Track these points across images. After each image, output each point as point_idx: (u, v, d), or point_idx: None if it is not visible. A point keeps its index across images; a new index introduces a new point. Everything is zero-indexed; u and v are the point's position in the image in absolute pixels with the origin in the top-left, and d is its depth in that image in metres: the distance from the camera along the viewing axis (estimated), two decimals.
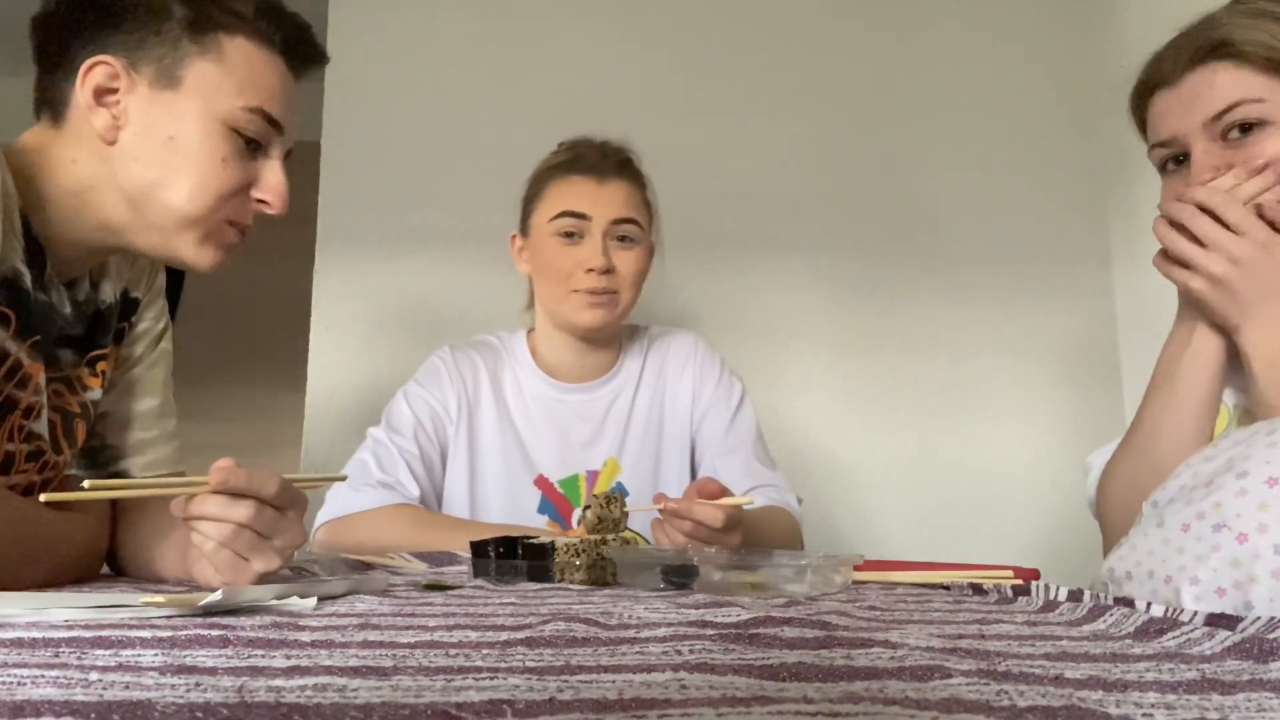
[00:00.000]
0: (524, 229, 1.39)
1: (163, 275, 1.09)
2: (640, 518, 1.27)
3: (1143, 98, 0.98)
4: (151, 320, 1.07)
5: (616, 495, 0.98)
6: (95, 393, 0.99)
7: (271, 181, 0.94)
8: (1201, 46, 0.91)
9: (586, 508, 0.98)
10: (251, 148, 0.92)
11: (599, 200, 1.31)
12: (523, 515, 1.33)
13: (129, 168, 0.89)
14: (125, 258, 1.03)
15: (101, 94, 0.88)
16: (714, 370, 1.41)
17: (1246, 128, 0.89)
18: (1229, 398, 0.97)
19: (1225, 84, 0.89)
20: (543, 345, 1.42)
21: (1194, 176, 0.91)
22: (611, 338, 1.42)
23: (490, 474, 1.35)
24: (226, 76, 0.90)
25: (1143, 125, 1.00)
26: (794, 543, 1.30)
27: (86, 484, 0.73)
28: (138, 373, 1.06)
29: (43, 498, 0.72)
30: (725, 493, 1.01)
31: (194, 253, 0.92)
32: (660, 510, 0.99)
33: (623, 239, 1.32)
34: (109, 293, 1.00)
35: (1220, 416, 0.96)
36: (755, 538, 1.10)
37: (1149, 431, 0.95)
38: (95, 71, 0.87)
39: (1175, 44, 0.94)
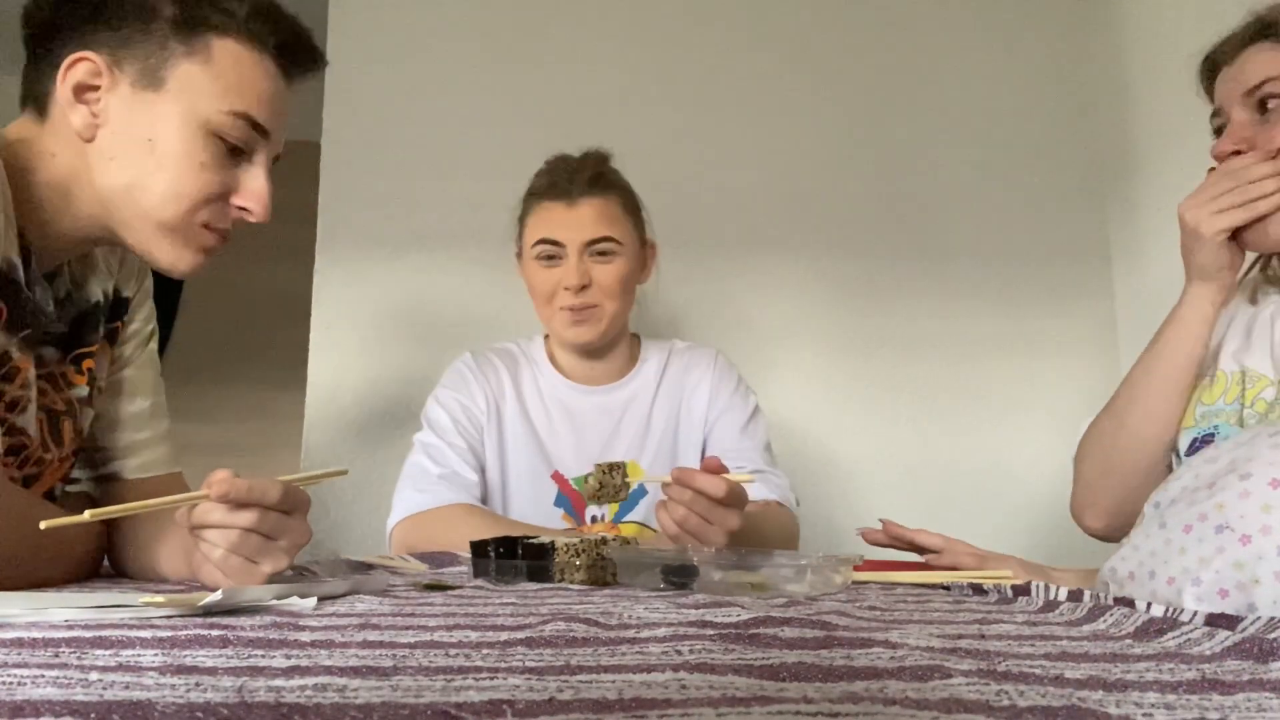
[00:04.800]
0: (518, 249, 1.44)
1: (150, 278, 1.08)
2: (646, 510, 1.27)
3: (1212, 72, 1.06)
4: (141, 321, 1.07)
5: (619, 464, 1.00)
6: (81, 390, 0.98)
7: (253, 188, 0.92)
8: (1252, 27, 1.01)
9: (588, 476, 1.00)
10: (234, 153, 0.90)
11: (570, 225, 1.36)
12: (542, 509, 1.38)
13: (105, 167, 0.88)
14: (114, 255, 1.02)
15: (82, 91, 0.86)
16: (730, 381, 1.46)
17: (1275, 103, 0.96)
18: (1231, 364, 0.99)
19: (1264, 61, 0.98)
20: (556, 351, 1.48)
21: (1223, 140, 1.00)
22: (614, 345, 1.45)
23: (513, 472, 1.41)
24: (212, 79, 0.88)
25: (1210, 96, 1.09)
26: (790, 541, 1.31)
27: (87, 514, 0.72)
28: (128, 374, 1.05)
29: (42, 525, 0.71)
30: (726, 470, 1.02)
31: (170, 256, 0.91)
32: (664, 487, 1.00)
33: (599, 254, 1.36)
34: (97, 291, 0.99)
35: (1218, 382, 1.01)
36: (752, 529, 1.10)
37: (1126, 396, 1.06)
38: (77, 68, 0.86)
39: (1242, 26, 1.03)
